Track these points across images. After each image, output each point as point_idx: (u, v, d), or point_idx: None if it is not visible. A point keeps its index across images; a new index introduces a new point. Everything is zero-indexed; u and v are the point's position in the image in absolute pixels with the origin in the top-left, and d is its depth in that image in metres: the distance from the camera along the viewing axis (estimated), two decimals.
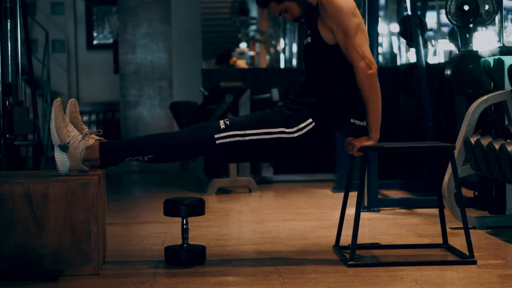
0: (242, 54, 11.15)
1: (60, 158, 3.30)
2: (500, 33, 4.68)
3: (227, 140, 3.34)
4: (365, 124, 3.43)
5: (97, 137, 3.38)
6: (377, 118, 3.38)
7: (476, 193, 5.04)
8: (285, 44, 12.04)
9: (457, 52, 5.14)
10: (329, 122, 3.40)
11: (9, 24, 5.39)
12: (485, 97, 4.32)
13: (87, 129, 3.39)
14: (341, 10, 3.33)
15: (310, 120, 3.37)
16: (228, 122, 3.37)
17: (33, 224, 3.20)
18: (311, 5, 3.43)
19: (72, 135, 3.30)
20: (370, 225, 4.54)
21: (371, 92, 3.34)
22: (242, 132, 3.35)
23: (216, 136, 3.34)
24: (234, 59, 10.57)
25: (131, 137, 3.53)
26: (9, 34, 5.40)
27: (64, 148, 3.30)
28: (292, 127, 3.36)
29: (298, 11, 3.44)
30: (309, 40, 3.45)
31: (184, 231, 3.49)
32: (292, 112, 3.38)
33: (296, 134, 3.36)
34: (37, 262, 3.20)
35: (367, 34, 3.42)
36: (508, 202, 4.55)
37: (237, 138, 3.34)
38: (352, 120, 3.42)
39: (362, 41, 3.34)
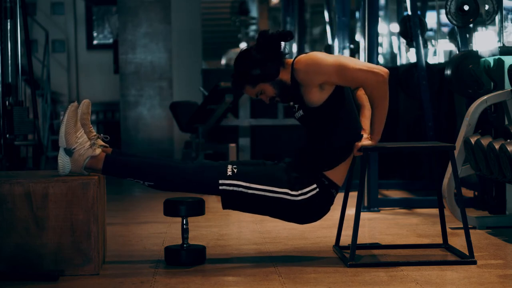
0: None
1: (63, 160, 3.30)
2: (500, 33, 4.68)
3: (230, 188, 3.36)
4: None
5: (102, 143, 3.38)
6: (382, 122, 3.36)
7: (476, 193, 5.04)
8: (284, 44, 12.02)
9: (457, 52, 5.14)
10: (333, 166, 3.39)
11: (9, 24, 5.39)
12: (485, 97, 4.32)
13: (95, 133, 3.39)
14: (319, 59, 3.30)
15: (315, 185, 3.37)
16: (236, 170, 3.37)
17: (33, 224, 3.20)
18: (286, 84, 3.39)
19: (80, 141, 3.30)
20: (370, 225, 4.54)
21: (381, 99, 3.30)
22: (247, 184, 3.35)
23: (220, 181, 3.36)
24: None
25: (138, 155, 3.50)
26: (9, 34, 5.39)
27: (69, 152, 3.30)
28: (297, 190, 3.36)
29: (273, 91, 3.41)
30: (302, 113, 3.40)
31: (184, 231, 3.49)
32: (298, 174, 3.38)
33: (299, 198, 3.36)
34: (37, 262, 3.20)
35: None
36: (508, 202, 4.55)
37: (240, 189, 3.35)
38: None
39: (354, 61, 3.30)
